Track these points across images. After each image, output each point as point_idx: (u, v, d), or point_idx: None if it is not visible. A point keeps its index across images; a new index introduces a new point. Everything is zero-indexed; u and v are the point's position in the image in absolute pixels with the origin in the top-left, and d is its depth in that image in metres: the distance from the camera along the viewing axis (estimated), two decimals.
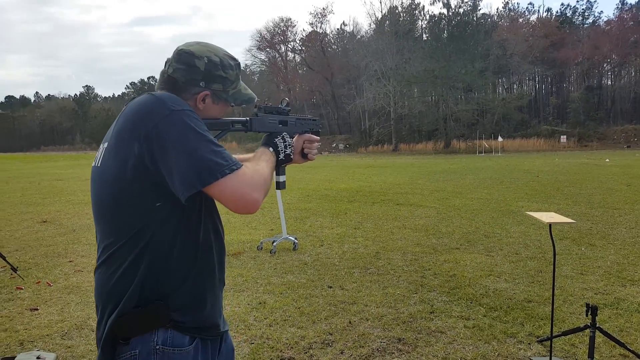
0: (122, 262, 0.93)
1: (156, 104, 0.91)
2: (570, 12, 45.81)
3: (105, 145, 0.98)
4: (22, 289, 3.61)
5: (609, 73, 43.95)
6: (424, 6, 52.66)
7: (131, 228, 0.92)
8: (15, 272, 3.33)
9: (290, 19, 51.23)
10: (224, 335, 1.09)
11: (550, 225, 2.19)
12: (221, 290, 1.08)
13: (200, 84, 1.00)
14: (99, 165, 0.98)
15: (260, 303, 3.18)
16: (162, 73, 1.02)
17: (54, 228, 6.23)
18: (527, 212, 2.30)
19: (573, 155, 24.20)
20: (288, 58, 49.31)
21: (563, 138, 32.67)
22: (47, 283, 3.72)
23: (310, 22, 49.04)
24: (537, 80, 44.57)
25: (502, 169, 15.43)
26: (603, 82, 43.12)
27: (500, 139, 29.45)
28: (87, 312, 3.08)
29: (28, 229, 6.19)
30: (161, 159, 0.88)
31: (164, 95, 0.94)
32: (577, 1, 61.02)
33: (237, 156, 1.24)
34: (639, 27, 38.81)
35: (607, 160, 18.96)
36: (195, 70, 0.99)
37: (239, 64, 1.07)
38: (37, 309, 3.15)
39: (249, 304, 3.17)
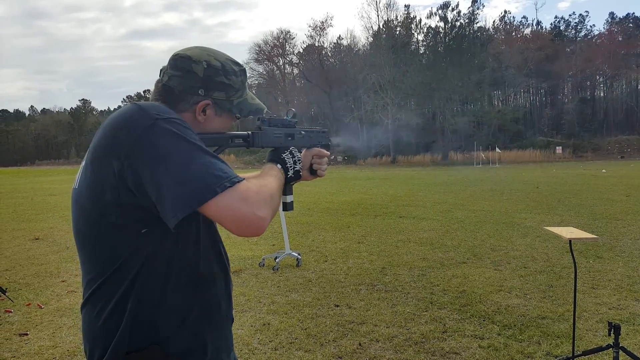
0: (108, 300, 0.81)
1: (138, 113, 0.79)
2: (564, 25, 46.85)
3: (83, 163, 0.86)
4: (11, 312, 3.42)
5: (602, 85, 44.75)
6: (420, 19, 53.46)
7: (114, 260, 0.80)
8: (4, 294, 3.17)
9: (290, 31, 51.75)
10: None
11: (570, 241, 2.09)
12: (229, 328, 0.95)
13: (199, 92, 0.87)
14: (76, 187, 0.86)
15: (264, 324, 3.04)
16: (157, 82, 0.91)
17: (47, 245, 6.04)
18: (546, 227, 2.21)
19: (569, 166, 24.32)
20: (286, 71, 49.71)
21: (559, 149, 32.93)
22: (38, 305, 3.54)
23: (310, 34, 49.38)
24: (531, 92, 45.20)
25: (501, 180, 15.42)
26: (596, 94, 43.90)
27: (498, 150, 29.59)
28: (80, 336, 2.90)
29: (19, 247, 6.00)
30: (147, 178, 0.75)
31: (148, 104, 0.82)
32: (570, 15, 62.45)
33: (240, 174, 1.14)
34: (629, 41, 39.74)
35: (604, 170, 19.05)
36: (193, 76, 0.87)
37: (244, 70, 0.95)
38: (27, 334, 2.98)
39: (252, 326, 3.02)
